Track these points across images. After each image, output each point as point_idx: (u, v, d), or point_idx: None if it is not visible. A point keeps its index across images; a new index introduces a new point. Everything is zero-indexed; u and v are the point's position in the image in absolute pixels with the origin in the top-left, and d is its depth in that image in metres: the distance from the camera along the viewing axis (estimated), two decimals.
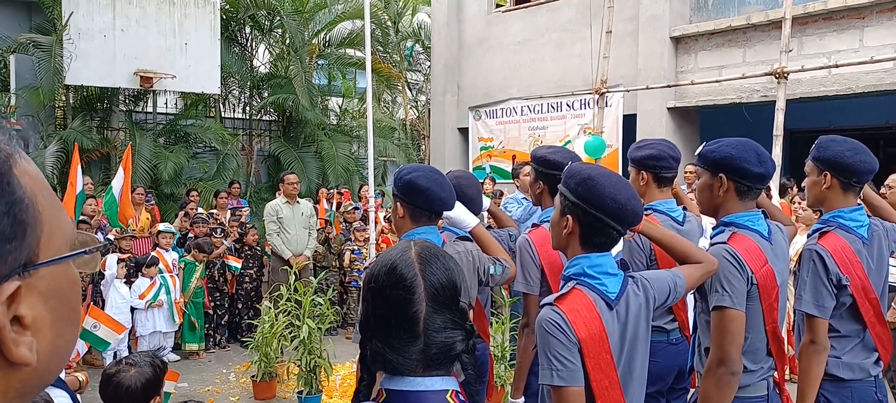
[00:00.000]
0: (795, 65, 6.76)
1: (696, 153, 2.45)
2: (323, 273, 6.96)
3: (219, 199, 9.11)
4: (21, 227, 0.61)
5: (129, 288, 6.58)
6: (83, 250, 0.68)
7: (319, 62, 14.00)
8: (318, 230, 7.92)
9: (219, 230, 7.45)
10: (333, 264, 7.99)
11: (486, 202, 3.38)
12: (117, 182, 7.22)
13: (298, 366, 5.29)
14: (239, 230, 7.92)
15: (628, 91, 8.92)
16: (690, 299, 2.71)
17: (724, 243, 2.25)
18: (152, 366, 2.33)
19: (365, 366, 1.25)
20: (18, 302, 0.61)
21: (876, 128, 9.84)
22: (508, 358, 5.14)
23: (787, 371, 5.65)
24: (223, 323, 7.43)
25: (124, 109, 11.46)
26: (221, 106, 12.91)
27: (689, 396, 2.84)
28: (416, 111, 18.43)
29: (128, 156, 7.50)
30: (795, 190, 7.04)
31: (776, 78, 6.30)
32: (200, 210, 8.71)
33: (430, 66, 14.99)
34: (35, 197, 0.62)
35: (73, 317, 0.68)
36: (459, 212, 2.77)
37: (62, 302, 0.66)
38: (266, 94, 12.86)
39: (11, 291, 0.60)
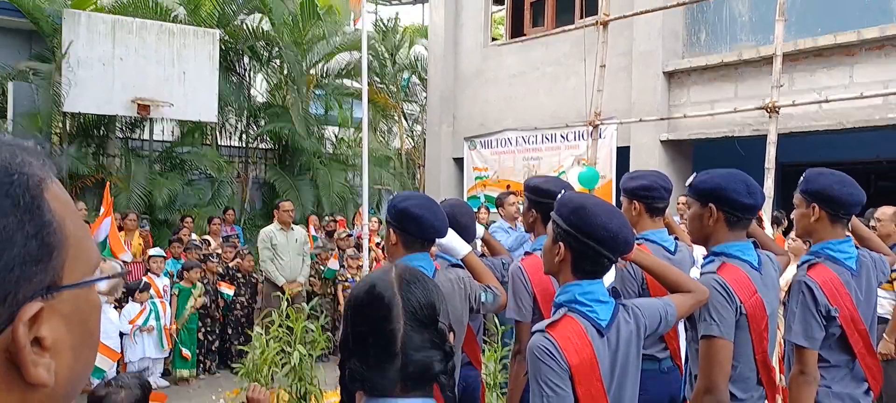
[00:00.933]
0: (787, 100, 6.82)
1: (687, 183, 2.48)
2: (315, 299, 6.93)
3: (212, 225, 9.08)
4: (47, 250, 0.62)
5: (119, 313, 6.53)
6: (105, 275, 0.69)
7: (316, 92, 14.10)
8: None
9: (214, 256, 7.43)
10: (329, 291, 7.96)
11: (480, 230, 3.40)
12: (103, 230, 7.03)
13: (289, 393, 5.24)
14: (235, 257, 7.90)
15: (622, 123, 8.99)
16: (682, 328, 2.72)
17: (714, 273, 2.27)
18: (141, 387, 2.33)
19: (344, 387, 1.25)
20: (40, 323, 0.61)
21: (866, 162, 9.92)
22: (500, 386, 5.10)
23: (780, 401, 5.63)
24: (213, 348, 7.38)
25: (121, 136, 11.50)
26: (218, 134, 12.96)
27: None
28: (411, 141, 18.50)
29: (108, 201, 7.18)
30: (787, 222, 7.07)
31: (768, 112, 6.36)
32: (194, 236, 8.69)
33: (426, 97, 15.10)
34: (64, 221, 0.64)
35: (92, 342, 0.69)
36: (452, 240, 2.79)
37: (83, 326, 0.67)
38: (263, 123, 12.93)
39: (34, 312, 0.60)
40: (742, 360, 2.27)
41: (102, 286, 0.69)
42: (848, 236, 2.60)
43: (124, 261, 7.16)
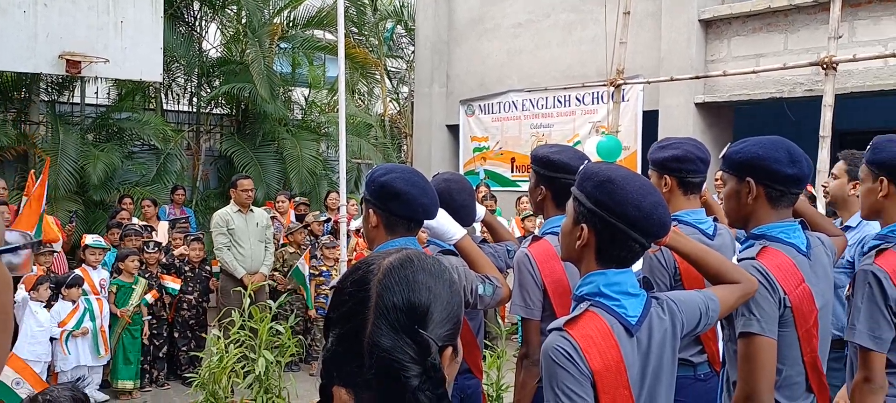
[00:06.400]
0: (846, 53, 6.81)
1: (721, 155, 2.49)
2: (283, 295, 6.94)
3: (146, 208, 9.03)
4: None
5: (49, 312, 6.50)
6: (7, 247, 0.68)
7: (282, 45, 14.02)
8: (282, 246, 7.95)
9: (151, 244, 7.40)
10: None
11: (481, 211, 3.38)
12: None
13: None
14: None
15: (649, 83, 8.96)
16: (719, 327, 2.72)
17: (753, 259, 2.29)
18: (73, 400, 2.31)
19: (322, 375, 1.24)
20: None
21: None
22: (504, 399, 5.12)
23: None
24: (161, 355, 7.38)
25: (46, 99, 11.42)
26: (163, 96, 12.89)
27: None
28: (396, 105, 18.48)
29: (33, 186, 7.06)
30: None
31: (823, 69, 6.35)
32: (135, 220, 8.64)
33: (413, 52, 15.04)
34: None
35: (3, 321, 0.70)
36: (443, 221, 2.79)
37: None
38: (217, 83, 12.86)
39: None
40: (788, 362, 2.29)
41: (12, 259, 0.68)
42: None
43: (52, 250, 7.13)
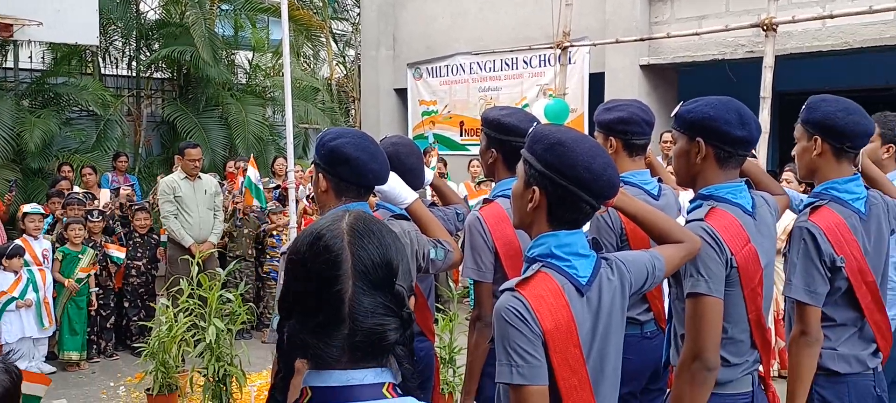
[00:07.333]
0: (785, 15, 6.95)
1: (672, 114, 2.51)
2: (233, 262, 6.88)
3: (86, 176, 8.81)
4: None
5: None
6: None
7: (223, 7, 13.75)
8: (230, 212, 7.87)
9: (95, 213, 7.26)
10: (249, 253, 7.90)
11: (429, 174, 3.39)
12: None
13: (204, 376, 5.23)
14: (120, 212, 7.77)
15: (595, 45, 9.02)
16: (665, 285, 2.78)
17: (701, 220, 2.31)
18: (7, 372, 2.24)
19: (282, 354, 1.25)
20: None
21: (874, 89, 10.23)
22: (457, 362, 5.18)
23: (776, 366, 5.87)
24: (108, 326, 7.27)
25: None
26: (101, 60, 12.56)
27: (664, 397, 2.93)
28: (343, 68, 18.29)
29: None
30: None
31: (763, 30, 6.47)
32: (76, 189, 8.44)
33: (359, 14, 14.87)
34: None
35: None
36: (394, 186, 2.79)
37: None
38: (157, 46, 12.57)
39: None
40: (733, 320, 2.34)
41: None
42: (856, 174, 2.67)
43: None
